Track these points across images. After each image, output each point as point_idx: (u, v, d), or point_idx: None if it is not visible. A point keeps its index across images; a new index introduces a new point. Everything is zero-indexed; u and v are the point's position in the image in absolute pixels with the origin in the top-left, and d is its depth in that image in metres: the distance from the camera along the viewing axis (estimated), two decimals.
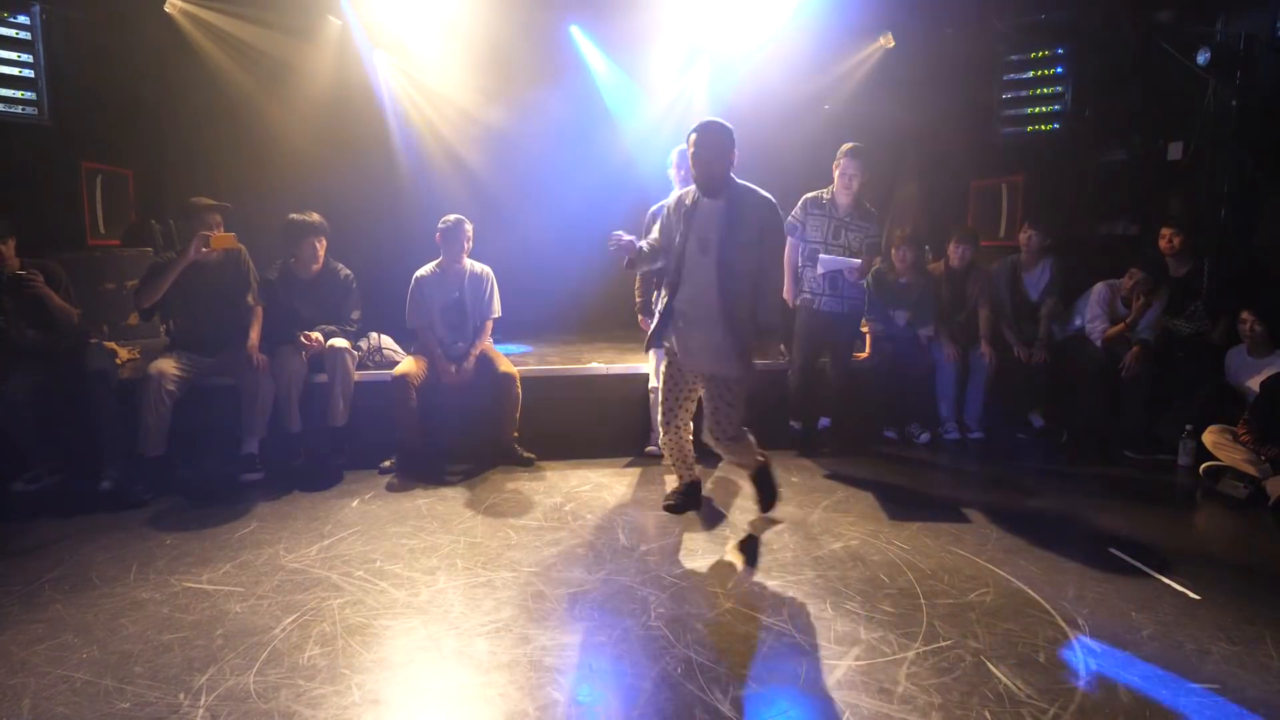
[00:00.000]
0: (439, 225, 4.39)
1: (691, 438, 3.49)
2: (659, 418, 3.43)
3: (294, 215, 4.21)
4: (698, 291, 3.07)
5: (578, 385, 4.84)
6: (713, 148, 2.95)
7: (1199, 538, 3.61)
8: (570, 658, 2.34)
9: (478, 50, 6.46)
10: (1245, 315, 4.34)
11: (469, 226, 4.40)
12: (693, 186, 3.12)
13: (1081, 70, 5.73)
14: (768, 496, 3.50)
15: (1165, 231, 4.84)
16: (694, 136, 2.99)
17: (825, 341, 4.61)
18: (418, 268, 4.48)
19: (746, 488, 3.96)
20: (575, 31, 6.86)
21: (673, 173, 4.35)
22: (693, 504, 3.60)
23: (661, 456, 4.46)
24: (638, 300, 4.48)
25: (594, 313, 6.96)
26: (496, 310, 4.54)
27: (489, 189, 7.00)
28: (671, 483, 4.07)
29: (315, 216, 4.24)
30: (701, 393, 3.28)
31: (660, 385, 3.37)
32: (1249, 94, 4.98)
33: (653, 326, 3.25)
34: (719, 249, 2.99)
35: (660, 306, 3.21)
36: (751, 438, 3.33)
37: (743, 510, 3.63)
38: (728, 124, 3.00)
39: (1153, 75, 5.57)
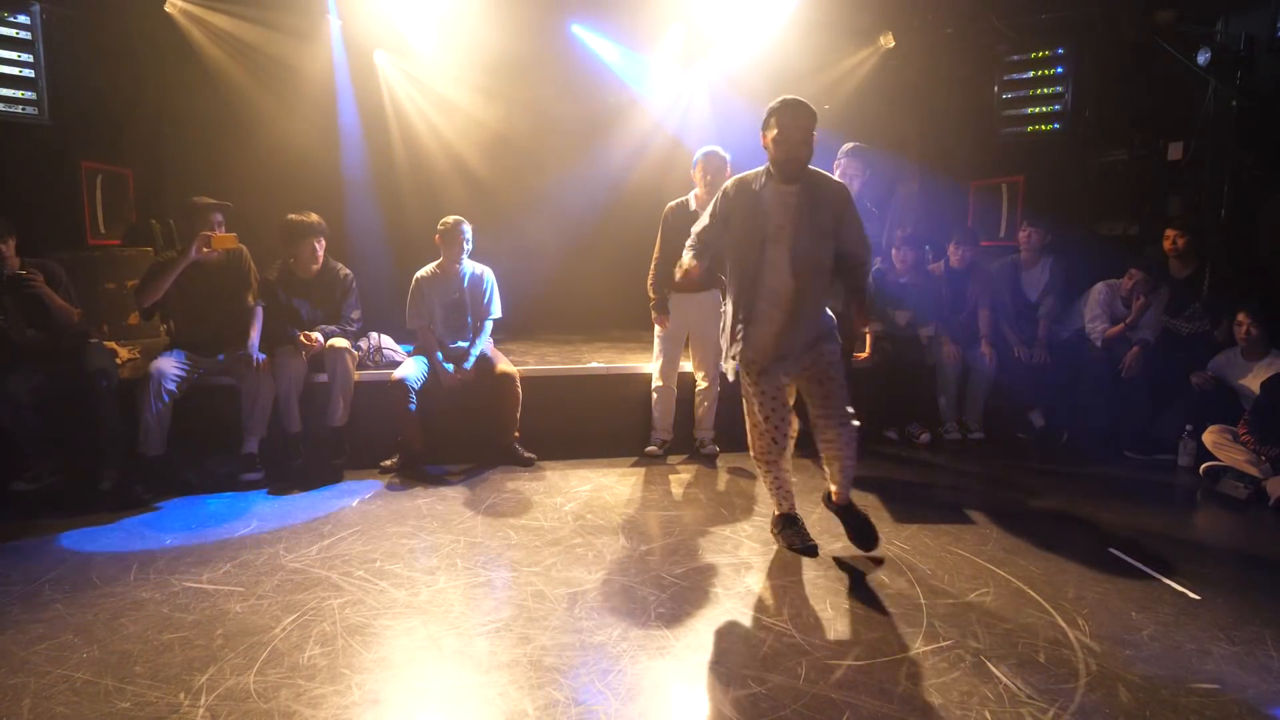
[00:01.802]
0: (438, 227, 4.39)
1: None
2: (760, 440, 3.07)
3: (292, 216, 4.21)
4: (776, 283, 2.84)
5: (578, 385, 4.84)
6: (803, 129, 2.75)
7: (1199, 538, 3.60)
8: (570, 658, 2.34)
9: (477, 50, 6.46)
10: (1242, 318, 4.33)
11: (468, 227, 4.40)
12: (751, 173, 2.89)
13: (1081, 70, 5.73)
14: (866, 533, 3.14)
15: (1169, 233, 4.82)
16: (778, 119, 2.77)
17: None
18: (418, 268, 4.48)
19: (757, 488, 3.97)
20: (576, 30, 6.85)
21: (697, 174, 4.24)
22: (804, 536, 3.15)
23: (662, 456, 4.47)
24: (652, 298, 4.41)
25: (594, 313, 6.96)
26: (497, 311, 4.54)
27: (489, 189, 7.01)
28: (678, 484, 4.08)
29: (314, 217, 4.24)
30: (803, 388, 3.04)
31: (758, 405, 3.01)
32: (1249, 94, 4.98)
33: (733, 336, 2.96)
34: (792, 237, 2.79)
35: (735, 310, 2.95)
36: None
37: (743, 510, 3.63)
38: (811, 104, 2.81)
39: (1153, 75, 5.57)
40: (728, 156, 4.23)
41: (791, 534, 3.17)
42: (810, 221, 2.80)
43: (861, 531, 3.08)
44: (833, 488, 3.14)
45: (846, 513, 3.13)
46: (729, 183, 2.93)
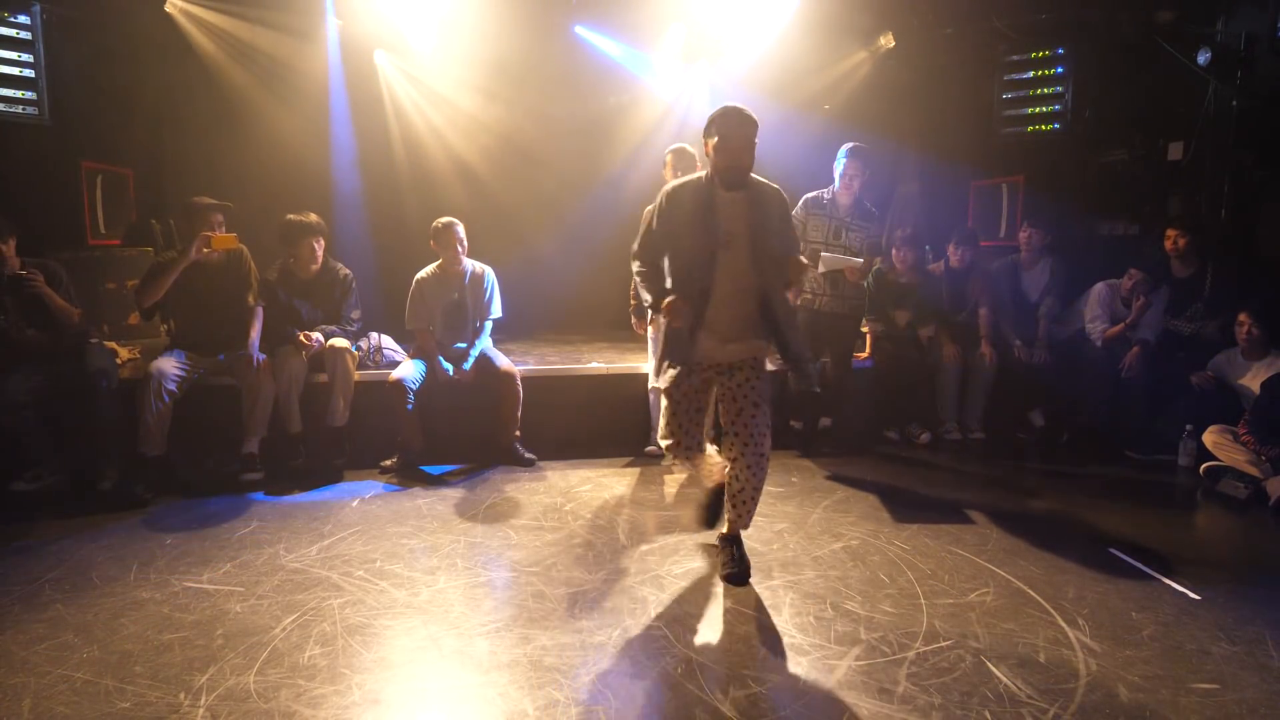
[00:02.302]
0: (431, 229, 4.38)
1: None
2: (662, 431, 3.05)
3: (291, 216, 4.21)
4: (728, 288, 2.81)
5: (578, 385, 4.83)
6: (745, 138, 2.74)
7: (1199, 538, 3.61)
8: (570, 658, 2.34)
9: (478, 51, 6.46)
10: (1243, 318, 4.32)
11: (461, 228, 4.38)
12: (691, 179, 2.88)
13: (1081, 70, 5.73)
14: (714, 515, 3.14)
15: (1171, 233, 4.82)
16: (719, 127, 2.75)
17: (825, 341, 4.61)
18: (418, 268, 4.47)
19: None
20: (580, 31, 6.85)
21: (668, 173, 4.28)
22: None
23: (662, 456, 4.46)
24: (632, 303, 4.42)
25: (594, 313, 6.96)
26: (497, 311, 4.53)
27: (489, 189, 7.01)
28: (678, 484, 4.07)
29: (312, 217, 4.24)
30: (719, 397, 2.97)
31: (671, 403, 2.97)
32: (1249, 94, 4.98)
33: (668, 337, 2.85)
34: (751, 239, 2.78)
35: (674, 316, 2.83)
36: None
37: None
38: (752, 112, 2.79)
39: (1153, 75, 5.57)
40: (695, 153, 4.21)
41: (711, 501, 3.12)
42: (762, 223, 2.81)
43: (740, 571, 2.90)
44: (727, 516, 2.98)
45: (734, 544, 2.96)
46: (665, 190, 2.88)
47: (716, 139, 2.76)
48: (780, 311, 2.85)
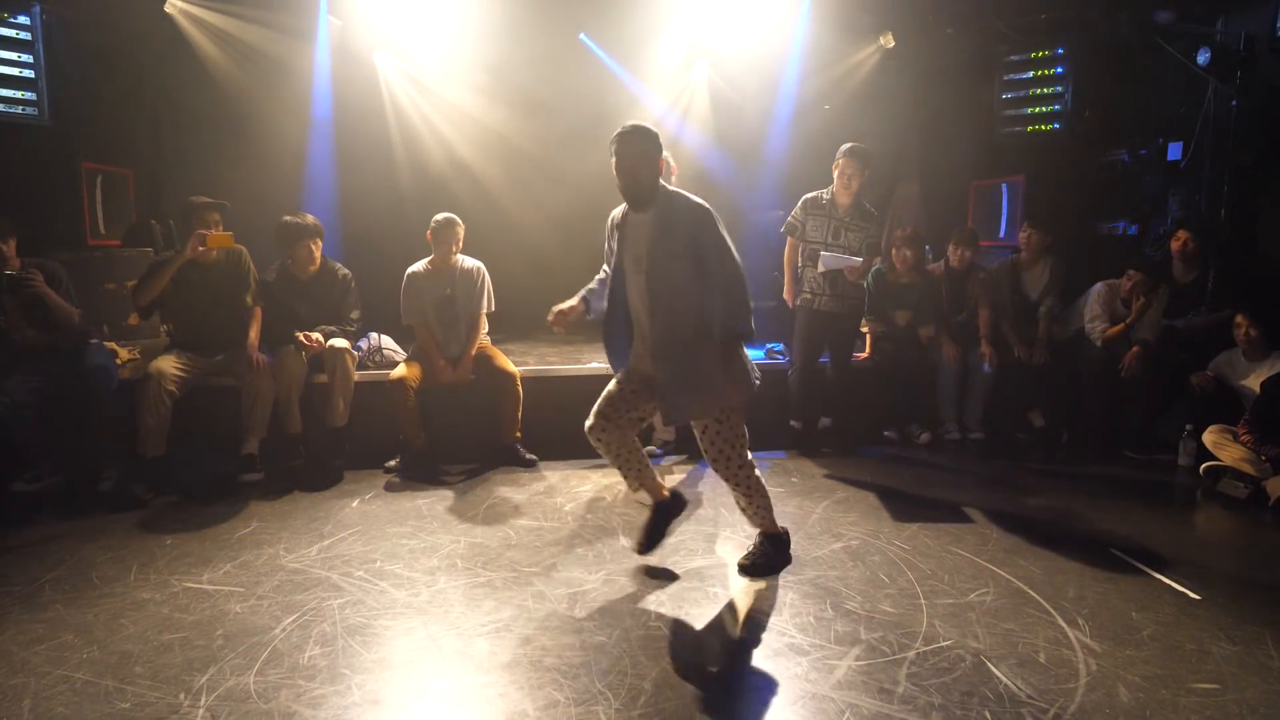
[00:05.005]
0: (430, 224, 4.38)
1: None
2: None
3: (287, 218, 4.20)
4: (638, 307, 2.79)
5: (578, 385, 4.82)
6: (637, 155, 2.66)
7: (1199, 538, 3.60)
8: (570, 658, 2.34)
9: (478, 52, 6.46)
10: (1240, 320, 4.32)
11: (460, 226, 4.37)
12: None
13: (1081, 70, 5.74)
14: (653, 537, 3.06)
15: (1181, 234, 4.80)
16: (615, 147, 2.69)
17: (825, 341, 4.61)
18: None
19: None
20: (584, 38, 6.85)
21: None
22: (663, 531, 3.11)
23: (661, 456, 4.47)
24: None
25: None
26: (489, 305, 4.51)
27: (489, 189, 7.00)
28: (679, 484, 4.09)
29: (309, 218, 4.24)
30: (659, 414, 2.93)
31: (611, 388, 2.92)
32: (1249, 94, 4.99)
33: (610, 349, 2.90)
34: (648, 262, 2.70)
35: (608, 327, 2.89)
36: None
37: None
38: (651, 128, 2.71)
39: (1153, 75, 5.57)
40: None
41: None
42: (663, 246, 2.69)
43: (754, 565, 2.97)
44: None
45: (767, 540, 3.00)
46: (613, 213, 2.89)
47: (614, 160, 2.70)
48: (663, 344, 2.71)
